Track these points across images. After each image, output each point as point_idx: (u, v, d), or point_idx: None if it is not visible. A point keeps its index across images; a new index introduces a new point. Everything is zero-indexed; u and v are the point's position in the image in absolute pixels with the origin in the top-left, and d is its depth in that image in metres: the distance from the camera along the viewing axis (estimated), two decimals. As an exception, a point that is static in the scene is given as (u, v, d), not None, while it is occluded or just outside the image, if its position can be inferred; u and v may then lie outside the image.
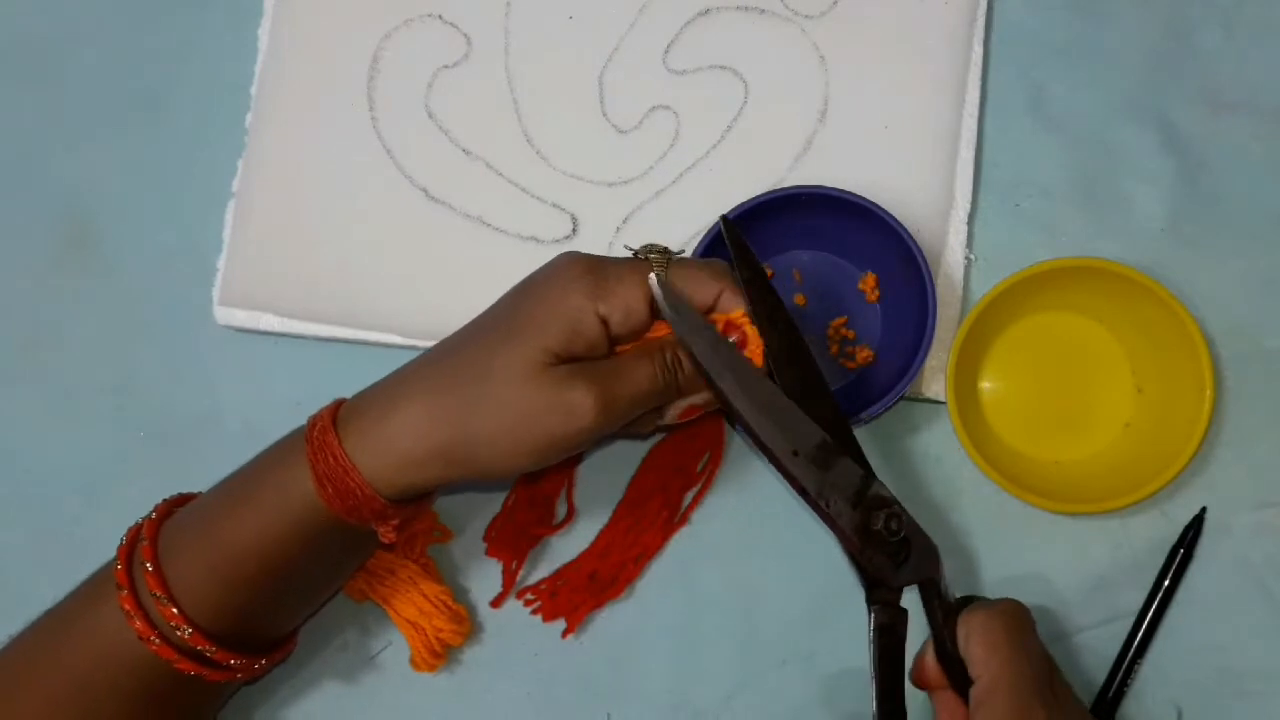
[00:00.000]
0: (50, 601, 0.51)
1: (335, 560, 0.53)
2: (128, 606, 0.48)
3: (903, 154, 0.60)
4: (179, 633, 0.48)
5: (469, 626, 0.57)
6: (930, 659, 0.49)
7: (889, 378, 0.55)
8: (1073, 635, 0.57)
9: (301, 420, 0.50)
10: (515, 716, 0.57)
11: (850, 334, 0.59)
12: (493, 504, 0.58)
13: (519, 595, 0.58)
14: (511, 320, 0.49)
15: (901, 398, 0.55)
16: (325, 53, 0.62)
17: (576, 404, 0.47)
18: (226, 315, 0.60)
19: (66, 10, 0.65)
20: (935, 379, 0.58)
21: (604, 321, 0.48)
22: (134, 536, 0.50)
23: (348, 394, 0.51)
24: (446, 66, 0.62)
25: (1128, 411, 0.58)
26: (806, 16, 0.62)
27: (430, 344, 0.59)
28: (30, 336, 0.62)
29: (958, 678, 0.48)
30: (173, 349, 0.61)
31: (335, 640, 0.58)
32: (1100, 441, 0.58)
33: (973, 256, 0.60)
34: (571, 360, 0.48)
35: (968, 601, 0.49)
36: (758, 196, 0.56)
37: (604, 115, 0.62)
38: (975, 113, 0.60)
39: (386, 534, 0.50)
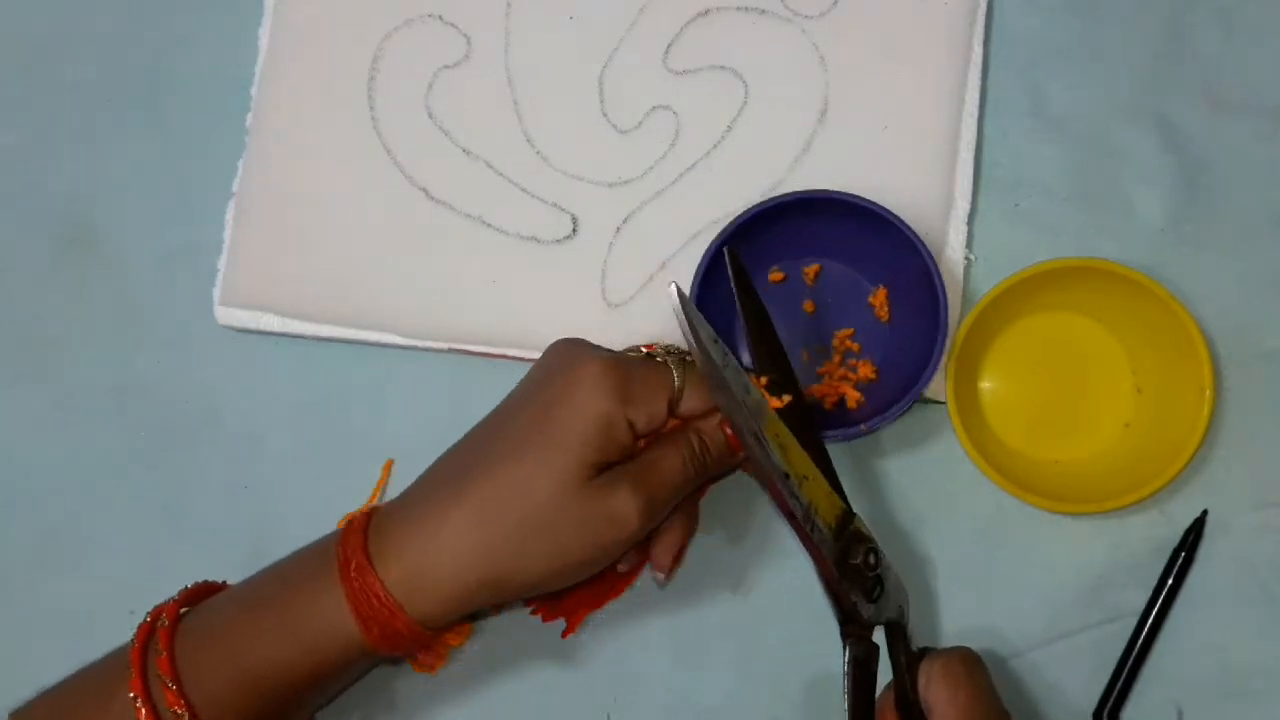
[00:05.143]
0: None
1: (364, 672, 0.54)
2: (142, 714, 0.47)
3: (903, 155, 0.60)
4: None
5: (469, 626, 0.57)
6: (890, 710, 0.49)
7: (894, 389, 0.55)
8: (1073, 635, 0.57)
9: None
10: (515, 716, 0.57)
11: (856, 346, 0.58)
12: (493, 504, 0.59)
13: (519, 595, 0.58)
14: (547, 433, 0.48)
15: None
16: (325, 53, 0.62)
17: (621, 512, 0.48)
18: (227, 315, 0.60)
19: (66, 10, 0.65)
20: (935, 379, 0.57)
21: (630, 425, 0.49)
22: (145, 635, 0.49)
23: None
24: (447, 67, 0.62)
25: (1127, 412, 0.58)
26: (806, 17, 0.62)
27: (430, 344, 0.59)
28: (30, 336, 0.62)
29: None
30: (173, 349, 0.61)
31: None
32: (1100, 442, 0.58)
33: (973, 256, 0.60)
34: (606, 466, 0.49)
35: (926, 652, 0.50)
36: (766, 201, 0.55)
37: (604, 115, 0.62)
38: (975, 113, 0.60)
39: (425, 658, 0.53)
